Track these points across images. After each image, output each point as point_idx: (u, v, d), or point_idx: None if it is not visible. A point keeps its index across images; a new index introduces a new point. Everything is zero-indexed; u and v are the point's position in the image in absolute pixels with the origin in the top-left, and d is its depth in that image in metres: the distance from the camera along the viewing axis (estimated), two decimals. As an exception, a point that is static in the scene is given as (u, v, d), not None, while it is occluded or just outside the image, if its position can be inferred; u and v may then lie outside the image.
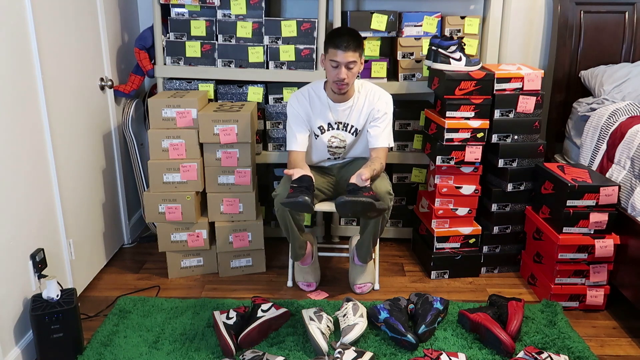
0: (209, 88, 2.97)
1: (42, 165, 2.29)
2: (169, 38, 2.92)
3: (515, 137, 2.72)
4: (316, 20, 2.87)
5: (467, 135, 2.67)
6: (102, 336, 2.29)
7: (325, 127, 2.61)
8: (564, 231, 2.48)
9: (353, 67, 2.42)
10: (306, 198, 2.26)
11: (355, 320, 2.29)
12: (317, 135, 2.62)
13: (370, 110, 2.56)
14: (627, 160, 2.48)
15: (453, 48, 2.68)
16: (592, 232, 2.48)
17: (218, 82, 3.00)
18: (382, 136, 2.55)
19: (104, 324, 2.39)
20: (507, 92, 2.68)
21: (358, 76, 2.88)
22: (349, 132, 2.61)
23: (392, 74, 3.03)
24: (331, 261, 3.00)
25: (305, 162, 2.57)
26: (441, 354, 2.11)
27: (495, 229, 2.84)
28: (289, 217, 2.49)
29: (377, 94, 2.58)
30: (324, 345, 2.15)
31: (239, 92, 2.98)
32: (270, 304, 2.39)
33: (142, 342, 2.27)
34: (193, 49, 2.91)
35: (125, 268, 2.94)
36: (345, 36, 2.40)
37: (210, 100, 2.96)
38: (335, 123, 2.60)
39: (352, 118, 2.59)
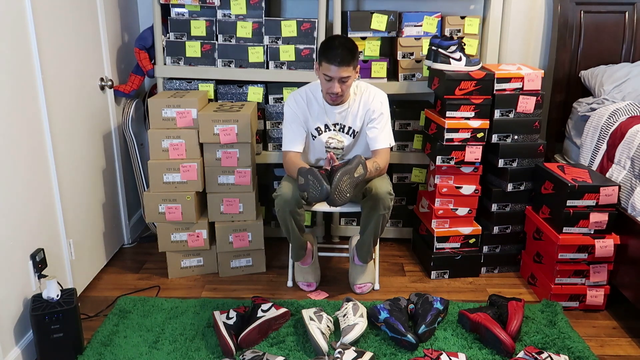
0: (209, 88, 2.96)
1: (42, 165, 2.29)
2: (169, 38, 2.92)
3: (515, 137, 2.72)
4: (316, 20, 2.87)
5: (467, 135, 2.67)
6: (102, 336, 2.29)
7: (323, 129, 2.61)
8: (564, 231, 2.48)
9: (347, 81, 2.41)
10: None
11: (355, 320, 2.29)
12: (315, 137, 2.62)
13: (366, 111, 2.56)
14: (627, 160, 2.48)
15: (453, 48, 2.68)
16: (592, 232, 2.48)
17: (218, 82, 3.00)
18: (380, 137, 2.55)
19: (104, 324, 2.39)
20: (507, 92, 2.68)
21: (358, 76, 2.89)
22: (347, 133, 2.61)
23: (392, 74, 3.03)
24: (331, 261, 3.00)
25: (301, 162, 2.57)
26: (441, 354, 2.11)
27: (495, 229, 2.83)
28: (289, 218, 2.49)
29: (372, 94, 2.57)
30: (324, 345, 2.15)
31: (239, 92, 2.98)
32: (270, 304, 2.39)
33: (142, 342, 2.27)
34: (193, 49, 2.91)
35: (125, 268, 2.94)
36: (339, 50, 2.35)
37: (210, 100, 2.96)
38: (333, 125, 2.60)
39: (348, 120, 2.58)
